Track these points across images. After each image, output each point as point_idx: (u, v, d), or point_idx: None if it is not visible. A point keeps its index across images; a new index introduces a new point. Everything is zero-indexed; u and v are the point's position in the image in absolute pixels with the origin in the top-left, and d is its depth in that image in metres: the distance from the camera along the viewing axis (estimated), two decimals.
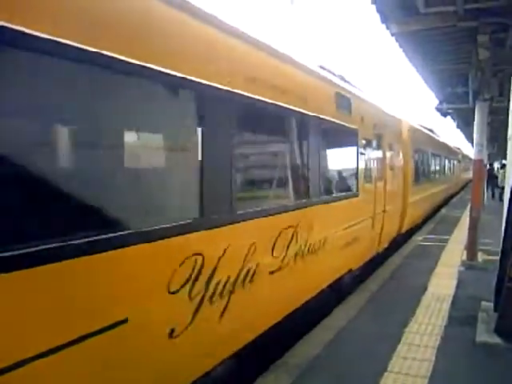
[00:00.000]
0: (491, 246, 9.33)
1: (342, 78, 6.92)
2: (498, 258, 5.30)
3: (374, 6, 6.86)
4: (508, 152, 5.92)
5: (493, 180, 23.14)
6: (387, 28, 7.41)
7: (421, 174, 13.49)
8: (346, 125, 6.34)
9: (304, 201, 5.02)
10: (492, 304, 5.44)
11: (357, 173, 7.01)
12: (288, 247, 4.54)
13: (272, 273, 4.26)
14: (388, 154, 8.98)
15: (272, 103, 4.22)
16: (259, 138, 4.71)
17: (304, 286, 5.18)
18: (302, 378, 4.02)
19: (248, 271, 3.81)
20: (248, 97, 3.84)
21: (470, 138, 21.59)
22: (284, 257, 4.46)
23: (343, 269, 6.64)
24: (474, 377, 4.10)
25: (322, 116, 5.36)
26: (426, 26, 7.24)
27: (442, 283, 7.19)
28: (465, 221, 11.55)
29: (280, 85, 4.39)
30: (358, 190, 6.94)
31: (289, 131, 4.91)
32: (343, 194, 6.50)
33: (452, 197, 25.04)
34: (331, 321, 5.47)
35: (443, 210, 18.50)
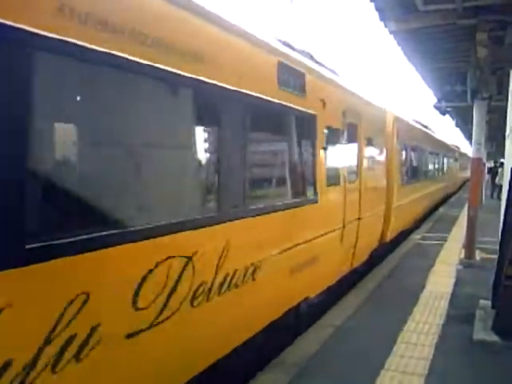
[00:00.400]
0: (490, 244, 9.32)
1: (311, 57, 5.71)
2: (495, 256, 5.31)
3: (372, 4, 6.86)
4: (506, 149, 5.92)
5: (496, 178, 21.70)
6: (385, 26, 7.38)
7: (411, 173, 12.06)
8: (296, 108, 4.74)
9: (211, 215, 3.49)
10: (490, 302, 5.45)
11: (314, 172, 5.30)
12: (173, 290, 2.99)
13: (131, 336, 2.70)
14: (365, 150, 7.44)
15: (150, 65, 2.77)
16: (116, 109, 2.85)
17: (205, 344, 3.49)
18: (300, 376, 4.00)
19: (68, 343, 2.28)
20: (78, 46, 2.31)
21: (469, 137, 21.51)
22: (164, 306, 2.93)
23: (292, 300, 5.02)
24: (471, 375, 4.10)
25: (242, 90, 3.78)
26: (424, 23, 7.22)
27: (440, 281, 7.19)
28: (463, 219, 11.55)
29: (158, 36, 2.86)
30: (316, 195, 5.28)
31: (174, 108, 3.29)
32: (291, 201, 4.79)
33: (450, 196, 24.99)
34: (328, 319, 5.45)
35: (441, 209, 18.50)
